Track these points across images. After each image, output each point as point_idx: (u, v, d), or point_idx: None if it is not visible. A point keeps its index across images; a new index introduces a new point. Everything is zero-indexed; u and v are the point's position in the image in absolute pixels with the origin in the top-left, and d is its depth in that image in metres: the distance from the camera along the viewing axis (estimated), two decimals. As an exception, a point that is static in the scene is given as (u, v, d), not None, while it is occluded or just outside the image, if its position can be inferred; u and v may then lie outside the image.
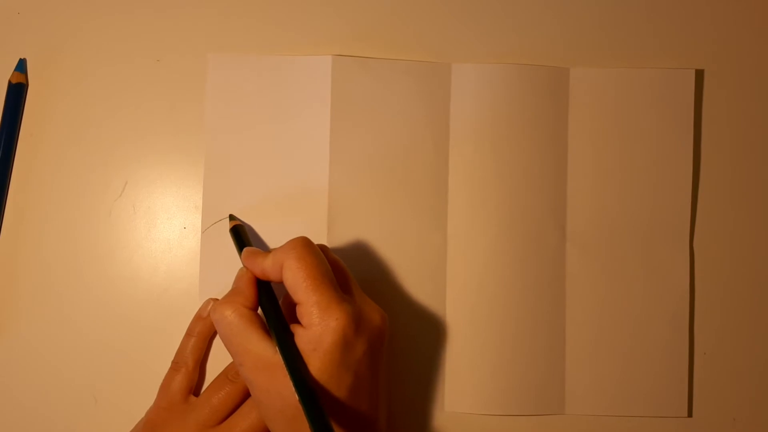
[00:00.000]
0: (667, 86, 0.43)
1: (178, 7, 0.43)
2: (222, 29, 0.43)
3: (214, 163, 0.42)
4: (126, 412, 0.41)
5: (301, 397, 0.31)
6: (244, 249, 0.37)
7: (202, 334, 0.41)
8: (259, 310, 0.36)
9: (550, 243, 0.43)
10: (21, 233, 0.42)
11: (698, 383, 0.43)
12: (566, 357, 0.42)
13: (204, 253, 0.42)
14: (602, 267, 0.43)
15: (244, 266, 0.37)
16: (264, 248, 0.41)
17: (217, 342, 0.42)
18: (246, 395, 0.38)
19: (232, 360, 0.40)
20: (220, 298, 0.41)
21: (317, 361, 0.32)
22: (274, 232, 0.42)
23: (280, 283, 0.35)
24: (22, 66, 0.43)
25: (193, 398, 0.40)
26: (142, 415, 0.40)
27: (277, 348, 0.33)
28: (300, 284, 0.33)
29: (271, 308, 0.35)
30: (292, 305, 0.35)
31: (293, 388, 0.31)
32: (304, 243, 0.35)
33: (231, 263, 0.41)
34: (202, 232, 0.42)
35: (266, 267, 0.35)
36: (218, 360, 0.41)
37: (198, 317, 0.41)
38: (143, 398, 0.40)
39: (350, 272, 0.38)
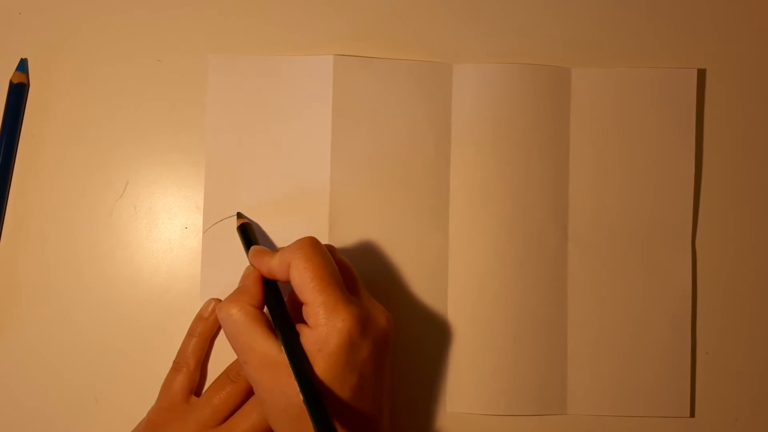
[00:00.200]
0: (668, 86, 0.43)
1: (178, 7, 0.43)
2: (223, 30, 0.43)
3: (215, 163, 0.42)
4: (127, 413, 0.41)
5: (306, 397, 0.31)
6: (251, 247, 0.37)
7: (204, 335, 0.41)
8: (265, 309, 0.36)
9: (551, 243, 0.43)
10: (22, 234, 0.42)
11: (700, 383, 0.43)
12: (568, 357, 0.42)
13: (205, 253, 0.42)
14: (604, 267, 0.43)
15: (251, 265, 0.37)
16: (271, 247, 0.41)
17: (219, 342, 0.42)
18: (247, 395, 0.38)
19: (233, 360, 0.40)
20: (221, 298, 0.41)
21: (322, 361, 0.32)
22: (275, 232, 0.42)
23: (287, 283, 0.35)
24: (23, 66, 0.43)
25: (194, 398, 0.40)
26: (143, 415, 0.40)
27: (282, 347, 0.33)
28: (307, 284, 0.33)
29: (277, 307, 0.35)
30: (296, 304, 0.35)
31: (298, 388, 0.31)
32: (312, 243, 0.35)
33: (232, 263, 0.41)
34: (204, 232, 0.42)
35: (273, 266, 0.35)
36: (219, 360, 0.41)
37: (199, 317, 0.41)
38: (144, 398, 0.40)
39: (357, 273, 0.38)
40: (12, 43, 0.43)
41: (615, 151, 0.43)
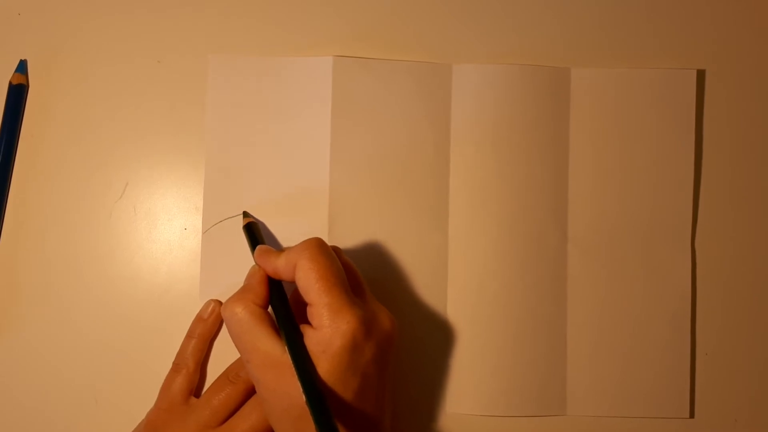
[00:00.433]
0: (668, 86, 0.43)
1: (178, 7, 0.43)
2: (223, 30, 0.43)
3: (215, 164, 0.42)
4: (126, 413, 0.41)
5: (309, 398, 0.31)
6: (257, 247, 0.37)
7: (203, 336, 0.41)
8: (270, 309, 0.36)
9: (551, 243, 0.42)
10: (22, 234, 0.42)
11: (700, 384, 0.43)
12: (567, 358, 0.42)
13: (205, 254, 0.42)
14: (603, 267, 0.43)
15: (257, 264, 0.37)
16: (277, 247, 0.41)
17: (218, 343, 0.42)
18: (246, 397, 0.38)
19: (232, 361, 0.40)
20: (220, 299, 0.41)
21: (326, 363, 0.32)
22: (275, 233, 0.42)
23: (291, 283, 0.35)
24: (22, 67, 0.43)
25: (193, 399, 0.40)
26: (143, 416, 0.40)
27: (285, 347, 0.33)
28: (312, 285, 0.33)
29: (282, 307, 0.35)
30: (300, 305, 0.35)
31: (300, 389, 0.31)
32: (318, 244, 0.35)
33: (232, 264, 0.41)
34: (203, 233, 0.42)
35: (279, 266, 0.35)
36: (219, 361, 0.41)
37: (199, 318, 0.41)
38: (144, 399, 0.40)
39: (362, 275, 0.38)
40: (11, 43, 0.43)
41: (614, 152, 0.43)
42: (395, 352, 0.37)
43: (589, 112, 0.43)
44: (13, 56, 0.43)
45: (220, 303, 0.41)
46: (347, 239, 0.42)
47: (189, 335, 0.41)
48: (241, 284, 0.36)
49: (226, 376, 0.39)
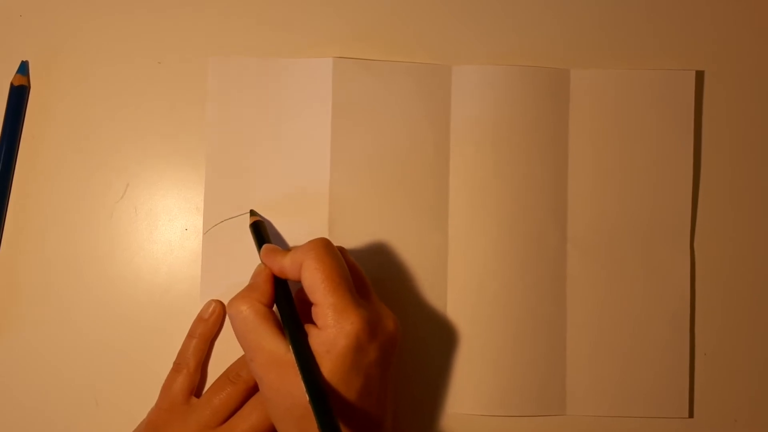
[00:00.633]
0: (667, 87, 0.43)
1: (178, 9, 0.43)
2: (223, 31, 0.43)
3: (216, 165, 0.42)
4: (127, 413, 0.41)
5: (312, 398, 0.31)
6: (264, 246, 0.37)
7: (204, 336, 0.41)
8: (274, 308, 0.36)
9: (550, 244, 0.43)
10: (23, 235, 0.42)
11: (699, 384, 0.43)
12: (567, 358, 0.42)
13: (205, 254, 0.42)
14: (603, 268, 0.43)
15: (263, 263, 0.37)
16: (284, 246, 0.41)
17: (219, 343, 0.42)
18: (247, 397, 0.39)
19: (233, 361, 0.40)
20: (221, 299, 0.41)
21: (329, 363, 0.32)
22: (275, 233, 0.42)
23: (297, 282, 0.35)
24: (24, 68, 0.43)
25: (194, 399, 0.40)
26: (143, 416, 0.40)
27: (289, 346, 0.33)
28: (318, 285, 0.33)
29: (287, 307, 0.35)
30: (305, 304, 0.35)
31: (303, 388, 0.31)
32: (324, 244, 0.35)
33: (232, 265, 0.41)
34: (204, 233, 0.42)
35: (285, 265, 0.35)
36: (220, 361, 0.41)
37: (199, 319, 0.41)
38: (144, 399, 0.40)
39: (367, 277, 0.38)
40: (13, 45, 0.43)
41: (614, 152, 0.43)
42: (398, 354, 0.37)
43: (589, 112, 0.43)
44: (15, 57, 0.43)
45: (221, 303, 0.41)
46: (347, 239, 0.42)
47: (190, 335, 0.41)
48: (242, 285, 0.36)
49: (227, 376, 0.39)
